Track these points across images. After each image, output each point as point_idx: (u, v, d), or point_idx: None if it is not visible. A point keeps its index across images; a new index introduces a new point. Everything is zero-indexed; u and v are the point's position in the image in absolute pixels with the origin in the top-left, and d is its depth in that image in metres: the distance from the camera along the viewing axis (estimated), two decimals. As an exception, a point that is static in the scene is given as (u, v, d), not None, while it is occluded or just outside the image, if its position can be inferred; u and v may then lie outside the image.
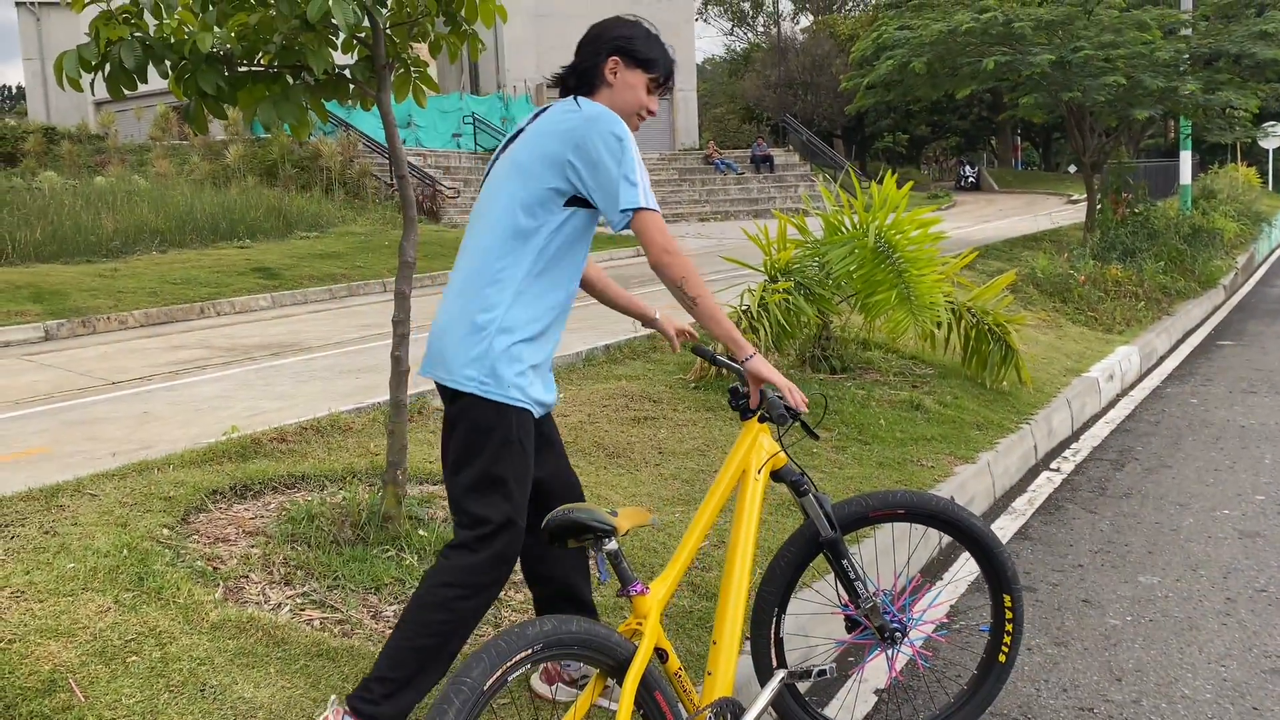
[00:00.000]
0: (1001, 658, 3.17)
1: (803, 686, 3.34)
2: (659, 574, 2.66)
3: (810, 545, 3.01)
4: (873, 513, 3.07)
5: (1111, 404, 8.13)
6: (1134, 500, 5.62)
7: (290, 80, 3.72)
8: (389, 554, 3.69)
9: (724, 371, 6.70)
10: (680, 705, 2.58)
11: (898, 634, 3.01)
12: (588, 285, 3.14)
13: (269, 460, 4.65)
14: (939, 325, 7.00)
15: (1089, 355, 9.11)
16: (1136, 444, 6.83)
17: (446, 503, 4.34)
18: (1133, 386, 8.80)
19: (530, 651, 2.28)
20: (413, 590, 3.51)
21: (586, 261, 2.92)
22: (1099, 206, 16.18)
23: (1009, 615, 3.15)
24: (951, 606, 4.28)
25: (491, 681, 2.20)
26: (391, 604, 3.43)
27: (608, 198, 2.59)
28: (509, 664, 2.23)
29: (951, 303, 7.12)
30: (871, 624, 3.01)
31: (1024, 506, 5.60)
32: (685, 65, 35.79)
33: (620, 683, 2.40)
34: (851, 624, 3.08)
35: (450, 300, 2.73)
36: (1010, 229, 20.29)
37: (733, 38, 53.87)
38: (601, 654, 2.40)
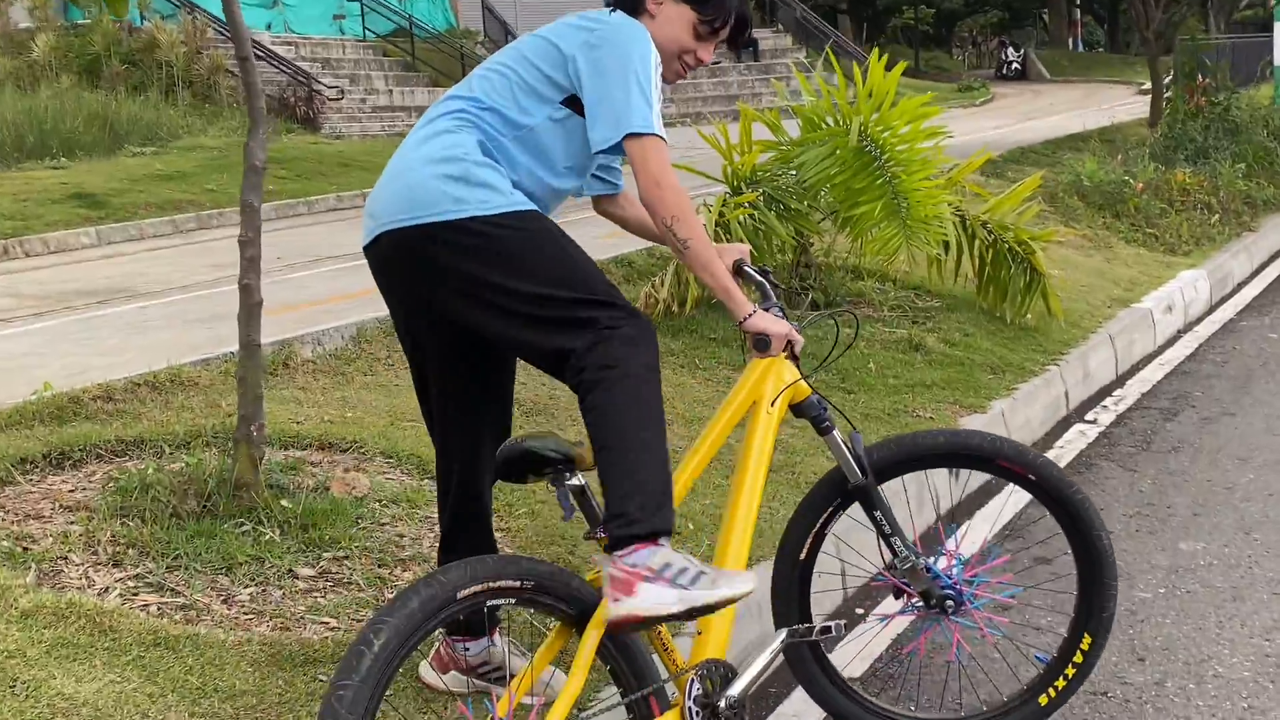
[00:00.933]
0: (1044, 700, 3.29)
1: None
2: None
3: (836, 491, 3.22)
4: (914, 455, 3.26)
5: (1170, 342, 8.47)
6: (1183, 455, 5.94)
7: (102, -64, 3.87)
8: (244, 528, 3.89)
9: (675, 309, 6.95)
10: (659, 664, 2.82)
11: (949, 604, 3.21)
12: (616, 218, 3.41)
13: (92, 423, 4.83)
14: (945, 246, 7.24)
15: (1144, 282, 9.44)
16: (1195, 388, 7.16)
17: (316, 470, 4.57)
18: (1199, 320, 9.14)
19: (519, 584, 2.48)
20: (273, 571, 3.74)
21: (586, 190, 3.22)
22: (1167, 94, 16.45)
23: (1079, 659, 3.27)
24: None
25: (469, 592, 2.39)
26: (247, 585, 3.64)
27: (604, 113, 2.82)
28: (495, 585, 2.44)
29: (962, 215, 7.37)
30: (914, 589, 3.23)
31: (1048, 466, 5.89)
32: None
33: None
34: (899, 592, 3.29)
35: (406, 147, 2.94)
36: (1059, 127, 20.55)
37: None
38: (564, 603, 2.59)
